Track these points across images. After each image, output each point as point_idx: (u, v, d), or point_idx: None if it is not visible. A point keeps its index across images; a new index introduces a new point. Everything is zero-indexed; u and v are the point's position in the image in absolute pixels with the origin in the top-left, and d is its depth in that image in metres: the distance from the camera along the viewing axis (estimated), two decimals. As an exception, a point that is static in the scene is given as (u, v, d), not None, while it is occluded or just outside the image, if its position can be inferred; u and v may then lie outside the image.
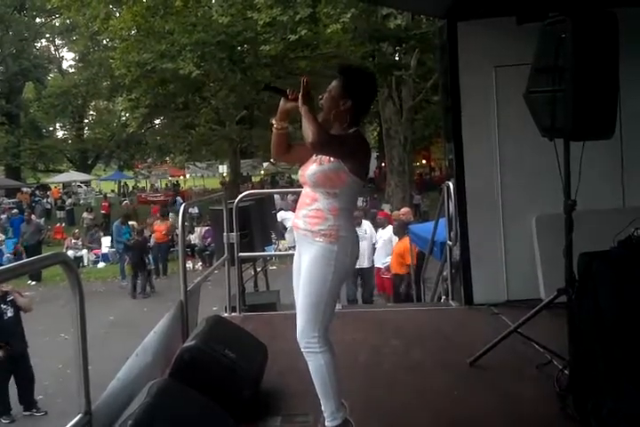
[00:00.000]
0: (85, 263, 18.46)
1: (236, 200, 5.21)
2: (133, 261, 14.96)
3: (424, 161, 36.36)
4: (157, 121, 30.74)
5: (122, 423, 2.46)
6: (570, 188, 3.13)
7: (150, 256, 15.39)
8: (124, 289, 15.00)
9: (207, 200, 7.44)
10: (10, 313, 7.52)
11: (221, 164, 36.42)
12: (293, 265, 2.93)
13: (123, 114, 33.83)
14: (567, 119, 2.99)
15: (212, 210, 7.04)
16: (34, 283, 15.54)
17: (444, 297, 5.76)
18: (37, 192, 33.64)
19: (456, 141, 5.07)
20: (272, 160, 29.90)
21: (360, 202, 18.41)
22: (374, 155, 30.80)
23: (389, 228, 10.39)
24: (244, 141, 26.77)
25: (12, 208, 25.62)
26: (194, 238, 17.85)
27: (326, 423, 2.77)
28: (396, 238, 9.87)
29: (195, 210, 21.54)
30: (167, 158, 36.48)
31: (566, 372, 3.15)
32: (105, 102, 39.63)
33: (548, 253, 4.78)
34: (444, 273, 6.04)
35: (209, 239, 16.25)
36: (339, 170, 2.69)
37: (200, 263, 16.86)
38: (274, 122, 2.88)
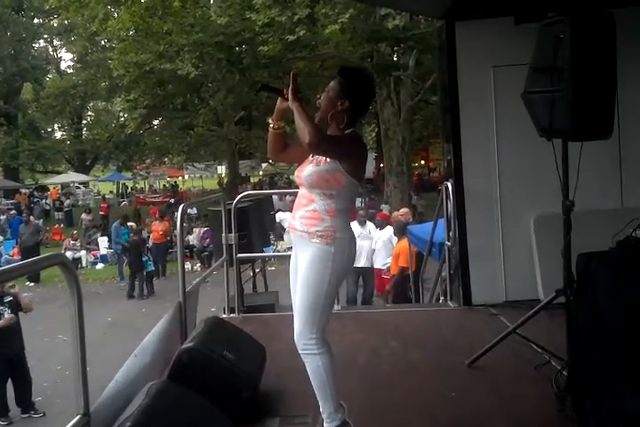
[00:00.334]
0: (84, 264, 18.46)
1: (235, 201, 5.20)
2: (130, 261, 14.97)
3: (422, 162, 36.36)
4: (156, 122, 30.81)
5: (120, 425, 2.45)
6: (568, 188, 3.13)
7: (149, 257, 15.37)
8: (123, 290, 14.99)
9: (206, 201, 7.43)
10: (7, 315, 7.51)
11: (220, 164, 36.45)
12: (290, 267, 2.92)
13: (121, 115, 34.02)
14: (565, 119, 2.99)
15: (210, 211, 7.05)
16: (32, 284, 15.54)
17: (442, 298, 5.76)
18: (36, 193, 33.64)
19: (455, 142, 5.07)
20: (270, 161, 29.92)
21: (358, 203, 18.42)
22: (373, 155, 30.82)
23: (389, 228, 10.38)
24: (243, 142, 26.78)
25: (11, 209, 25.62)
26: (192, 239, 17.85)
27: (325, 425, 2.77)
28: (396, 239, 9.87)
29: (193, 211, 21.55)
30: (165, 159, 36.46)
31: (565, 372, 3.15)
32: (103, 103, 39.71)
33: (546, 254, 4.78)
34: (443, 274, 6.04)
35: (207, 240, 16.25)
36: (335, 171, 2.69)
37: (199, 264, 16.87)
38: (270, 121, 2.87)
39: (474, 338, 4.27)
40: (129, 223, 17.43)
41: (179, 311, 3.90)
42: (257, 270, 8.21)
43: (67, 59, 63.04)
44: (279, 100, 2.80)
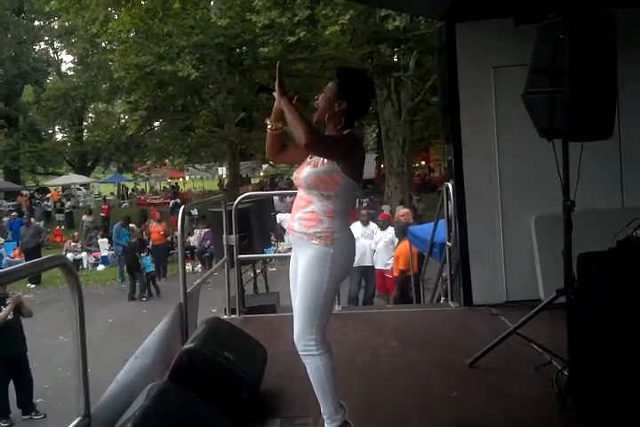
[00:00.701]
0: (85, 266, 18.47)
1: (236, 202, 5.20)
2: (127, 263, 15.00)
3: (423, 162, 36.36)
4: (156, 123, 30.84)
5: (121, 426, 2.45)
6: (568, 188, 3.13)
7: (148, 258, 15.38)
8: (124, 292, 14.99)
9: (206, 202, 7.44)
10: (9, 316, 7.51)
11: (220, 166, 36.47)
12: (290, 268, 2.92)
13: (122, 116, 34.03)
14: (565, 120, 3.00)
15: (211, 212, 7.05)
16: (33, 286, 15.54)
17: (443, 298, 5.76)
18: (37, 195, 33.65)
19: (455, 143, 5.07)
20: (271, 162, 29.92)
21: (357, 203, 18.42)
22: (373, 156, 30.84)
23: (390, 229, 10.38)
24: (243, 143, 26.81)
25: (12, 211, 25.60)
26: (193, 240, 17.85)
27: (325, 425, 2.77)
28: (397, 240, 9.87)
29: (194, 211, 21.53)
30: (166, 161, 36.51)
31: (565, 372, 3.14)
32: (104, 105, 39.72)
33: (547, 254, 4.78)
34: (444, 274, 6.04)
35: (208, 241, 16.26)
36: (333, 172, 2.69)
37: (199, 265, 16.87)
38: (268, 122, 2.87)
39: (474, 338, 4.27)
40: (130, 225, 17.43)
41: (180, 312, 3.90)
42: (258, 271, 8.23)
43: (67, 61, 63.17)
44: (276, 100, 2.81)
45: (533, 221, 4.99)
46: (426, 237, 7.16)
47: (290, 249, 3.08)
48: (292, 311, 2.79)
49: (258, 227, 6.56)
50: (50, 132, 44.04)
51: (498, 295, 5.08)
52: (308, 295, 2.69)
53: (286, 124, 2.71)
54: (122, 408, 2.63)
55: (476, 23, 4.95)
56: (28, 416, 7.78)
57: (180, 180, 43.15)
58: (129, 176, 42.49)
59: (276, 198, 18.13)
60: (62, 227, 24.97)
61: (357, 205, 18.05)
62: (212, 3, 20.92)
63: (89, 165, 42.42)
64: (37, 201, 31.11)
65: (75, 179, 37.82)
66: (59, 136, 44.80)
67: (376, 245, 10.35)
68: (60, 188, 37.42)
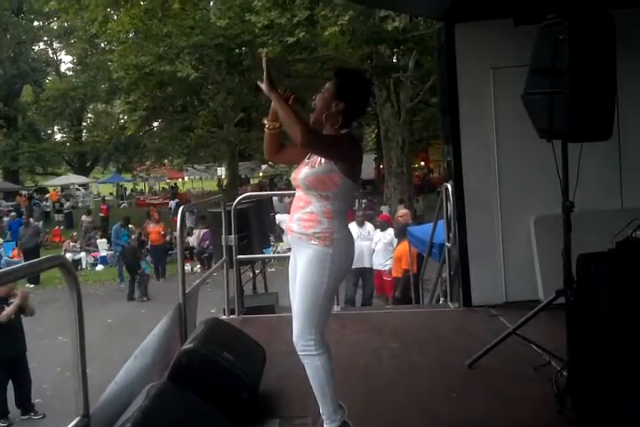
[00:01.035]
0: (84, 266, 18.48)
1: (235, 202, 5.20)
2: (127, 263, 15.01)
3: (422, 163, 36.38)
4: (155, 124, 30.81)
5: (120, 426, 2.45)
6: (568, 189, 3.13)
7: (148, 259, 15.40)
8: (123, 292, 15.00)
9: (206, 203, 7.43)
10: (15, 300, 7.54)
11: (219, 166, 36.48)
12: (289, 269, 2.92)
13: (121, 116, 34.01)
14: (565, 121, 3.00)
15: (210, 212, 7.04)
16: (32, 286, 15.52)
17: (442, 299, 5.76)
18: (36, 195, 33.61)
19: (454, 143, 5.07)
20: (270, 162, 29.94)
21: (357, 204, 18.42)
22: (373, 156, 30.86)
23: (390, 230, 10.37)
24: (242, 144, 26.82)
25: (11, 211, 25.59)
26: (192, 241, 17.85)
27: (325, 426, 2.77)
28: (396, 241, 9.86)
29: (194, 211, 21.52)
30: (165, 161, 36.51)
31: (565, 373, 3.14)
32: (103, 105, 39.70)
33: (546, 255, 4.78)
34: (443, 275, 6.04)
35: (207, 242, 16.26)
36: (331, 172, 2.69)
37: (199, 266, 16.88)
38: (266, 122, 2.87)
39: (474, 339, 4.27)
40: (130, 225, 17.44)
41: (178, 313, 3.90)
42: (257, 272, 8.21)
43: (66, 61, 63.14)
44: None
45: (533, 221, 4.99)
46: (425, 238, 7.15)
47: (289, 249, 3.08)
48: (290, 312, 2.79)
49: (257, 227, 6.55)
50: (49, 132, 44.01)
51: (497, 296, 5.08)
52: (307, 296, 2.69)
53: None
54: (121, 409, 2.63)
55: (476, 24, 4.95)
56: (26, 416, 7.77)
57: (179, 180, 43.16)
58: (128, 176, 42.47)
59: (275, 199, 18.11)
60: (61, 227, 24.97)
61: (357, 205, 18.07)
62: (211, 3, 20.92)
63: (88, 165, 42.38)
64: (36, 201, 31.07)
65: (74, 179, 37.79)
66: (58, 136, 44.80)
67: (375, 245, 10.35)
68: (59, 188, 37.39)
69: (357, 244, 9.76)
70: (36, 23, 39.20)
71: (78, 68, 37.94)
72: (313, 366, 2.72)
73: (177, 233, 4.71)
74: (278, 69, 18.34)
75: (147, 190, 41.74)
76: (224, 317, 5.13)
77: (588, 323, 2.96)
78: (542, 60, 3.11)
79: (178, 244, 4.55)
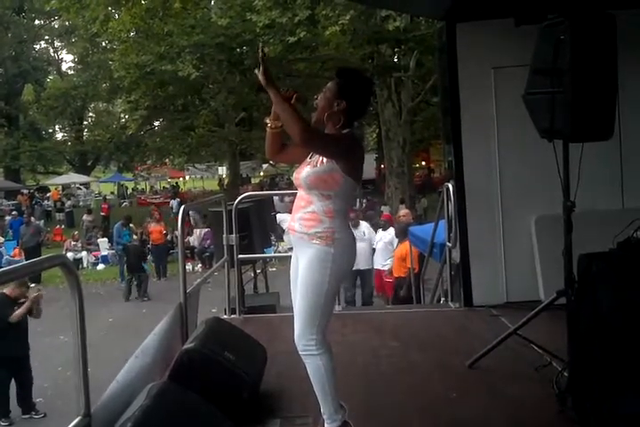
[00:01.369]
0: (85, 265, 18.48)
1: (236, 202, 5.20)
2: (128, 264, 15.04)
3: (423, 163, 36.36)
4: (157, 123, 30.82)
5: (121, 426, 2.45)
6: (569, 189, 3.12)
7: (149, 259, 15.42)
8: (124, 291, 14.99)
9: (206, 202, 7.43)
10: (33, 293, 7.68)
11: (221, 165, 36.47)
12: (291, 268, 2.92)
13: (122, 116, 33.98)
14: (566, 121, 3.00)
15: (211, 212, 7.05)
16: (33, 285, 15.48)
17: (443, 299, 5.76)
18: (37, 194, 33.65)
19: (455, 143, 5.07)
20: (271, 162, 29.95)
21: (358, 203, 18.42)
22: (374, 156, 30.84)
23: (391, 230, 10.36)
24: (244, 143, 26.80)
25: (12, 210, 25.61)
26: (192, 240, 17.85)
27: (325, 425, 2.77)
28: (397, 240, 9.84)
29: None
30: (166, 160, 36.49)
31: (565, 373, 3.14)
32: (104, 104, 39.68)
33: (547, 255, 4.78)
34: (444, 275, 6.04)
35: (208, 241, 16.27)
36: (332, 171, 2.68)
37: (200, 265, 16.88)
38: (268, 121, 2.86)
39: (474, 339, 4.27)
40: (130, 225, 17.45)
41: (180, 312, 3.90)
42: (258, 271, 8.23)
43: (68, 60, 63.06)
44: None
45: (534, 221, 4.99)
46: (426, 238, 7.15)
47: (290, 249, 3.08)
48: (292, 311, 2.79)
49: (258, 227, 6.56)
50: (50, 131, 44.03)
51: (498, 296, 5.08)
52: (308, 295, 2.69)
53: None
54: (122, 408, 2.63)
55: (477, 24, 4.95)
56: (27, 416, 7.79)
57: (181, 179, 43.17)
58: (129, 176, 42.48)
59: (275, 198, 18.11)
60: (62, 226, 24.96)
61: (359, 205, 18.08)
62: (212, 2, 20.90)
63: (89, 164, 42.43)
64: (38, 200, 31.12)
65: (75, 178, 37.85)
66: (59, 135, 44.86)
67: (376, 244, 10.35)
68: (61, 187, 37.45)
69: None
70: (37, 22, 39.28)
71: (79, 67, 37.95)
72: (314, 365, 2.72)
73: (178, 232, 4.71)
74: (279, 68, 18.37)
75: (148, 190, 41.76)
76: (225, 316, 5.14)
77: (588, 323, 2.96)
78: (543, 60, 3.10)
79: (179, 243, 4.55)
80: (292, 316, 2.76)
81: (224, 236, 5.09)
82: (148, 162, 37.91)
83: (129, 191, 41.73)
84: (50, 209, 30.56)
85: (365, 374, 3.77)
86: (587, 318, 2.98)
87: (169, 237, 17.76)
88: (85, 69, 34.74)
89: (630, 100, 4.44)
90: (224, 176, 36.40)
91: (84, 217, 23.27)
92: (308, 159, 2.82)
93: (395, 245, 9.87)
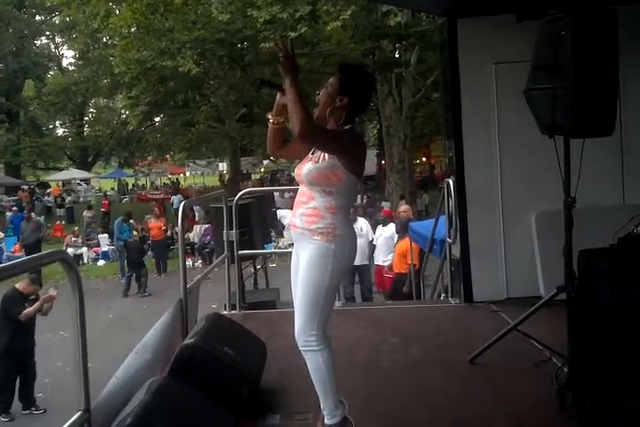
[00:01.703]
0: (85, 261, 18.49)
1: (236, 198, 5.20)
2: (129, 260, 15.06)
3: (424, 159, 36.32)
4: (157, 119, 30.79)
5: (121, 421, 2.46)
6: (569, 185, 3.12)
7: (150, 255, 15.44)
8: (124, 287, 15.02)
9: (207, 198, 7.43)
10: (51, 291, 7.84)
11: (221, 161, 36.45)
12: (291, 264, 2.92)
13: (123, 111, 33.97)
14: (567, 116, 2.99)
15: (212, 208, 7.04)
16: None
17: (443, 294, 5.76)
18: (37, 190, 33.63)
19: (456, 139, 5.06)
20: (272, 158, 29.94)
21: (360, 199, 18.42)
22: (374, 152, 30.81)
23: (391, 225, 10.36)
24: (244, 139, 26.80)
25: (12, 206, 25.61)
26: (192, 236, 17.85)
27: (325, 421, 2.77)
28: (397, 236, 9.84)
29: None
30: (167, 156, 36.48)
31: (565, 369, 3.14)
32: (105, 100, 39.67)
33: (547, 251, 4.78)
34: (444, 270, 6.04)
35: (208, 237, 16.27)
36: (334, 167, 2.68)
37: (200, 261, 16.90)
38: (269, 116, 2.86)
39: (475, 335, 4.28)
40: (131, 220, 17.46)
41: (180, 308, 3.90)
42: (258, 267, 8.21)
43: (68, 56, 63.19)
44: (279, 95, 2.80)
45: (534, 217, 4.99)
46: (426, 234, 7.15)
47: (290, 245, 3.08)
48: (292, 307, 2.79)
49: (258, 223, 6.55)
50: (51, 127, 43.98)
51: (498, 292, 5.08)
52: (309, 291, 2.69)
53: (288, 118, 2.69)
54: (122, 403, 2.64)
55: (478, 19, 4.93)
56: (28, 411, 7.80)
57: (181, 175, 43.15)
58: (130, 171, 42.47)
59: (276, 194, 18.12)
60: (63, 222, 25.01)
61: (360, 201, 18.07)
62: (213, -2, 20.87)
63: (90, 160, 42.41)
64: (38, 196, 31.11)
65: (75, 174, 37.83)
66: (59, 131, 44.75)
67: (376, 240, 10.34)
68: (61, 183, 37.42)
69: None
70: (38, 18, 39.20)
71: (80, 62, 37.84)
72: (314, 361, 2.72)
73: (178, 228, 4.71)
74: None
75: (148, 185, 41.75)
76: (225, 312, 5.14)
77: (589, 319, 2.96)
78: (545, 56, 3.10)
79: (179, 239, 4.55)
80: (293, 312, 2.77)
81: (224, 232, 5.09)
82: (149, 158, 37.92)
83: (129, 187, 41.71)
84: (50, 205, 30.54)
85: (366, 370, 3.78)
86: (587, 313, 2.98)
87: (169, 233, 17.77)
88: (86, 65, 34.62)
89: (632, 95, 4.43)
90: (225, 172, 36.38)
91: (85, 213, 23.27)
92: (309, 155, 2.81)
93: (395, 240, 9.87)
